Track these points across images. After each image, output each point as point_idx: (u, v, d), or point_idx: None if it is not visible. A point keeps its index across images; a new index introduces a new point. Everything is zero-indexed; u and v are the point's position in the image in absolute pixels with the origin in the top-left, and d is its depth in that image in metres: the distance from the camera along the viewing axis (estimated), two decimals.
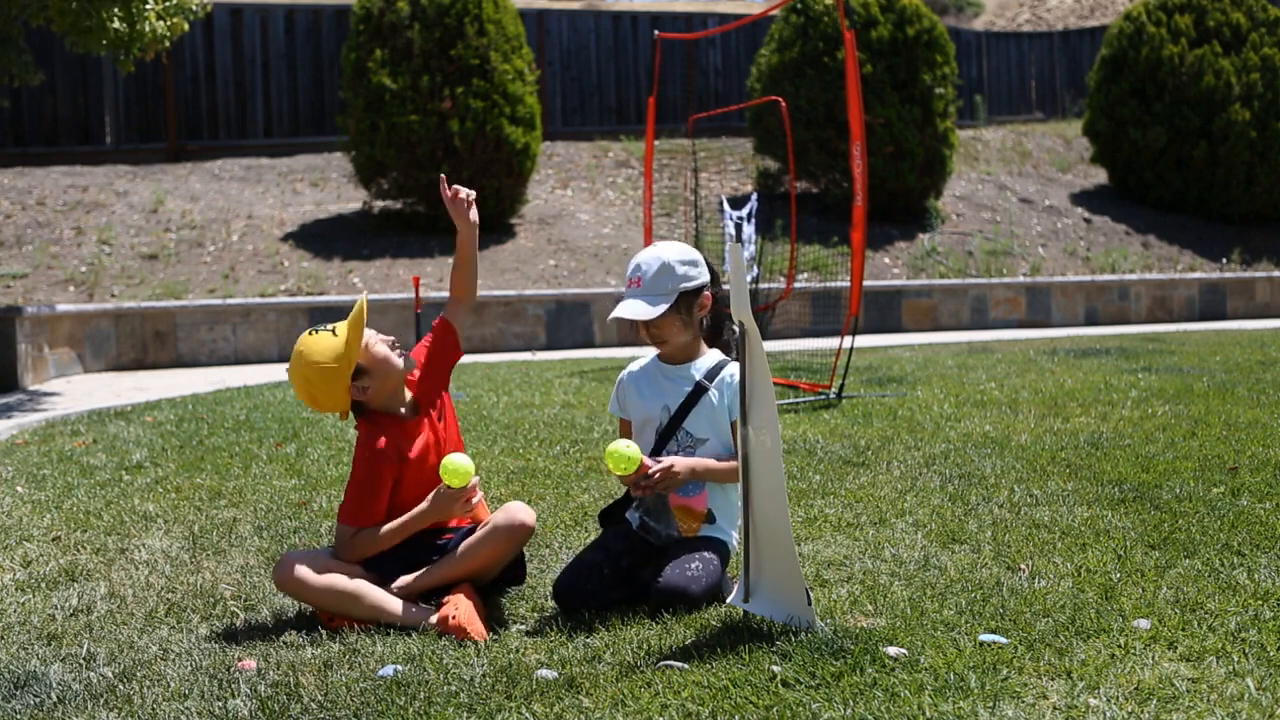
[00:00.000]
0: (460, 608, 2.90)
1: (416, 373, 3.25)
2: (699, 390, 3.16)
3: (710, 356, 3.22)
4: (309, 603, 3.05)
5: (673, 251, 3.15)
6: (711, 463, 3.13)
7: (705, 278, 3.17)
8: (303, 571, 3.01)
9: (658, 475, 3.03)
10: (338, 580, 3.01)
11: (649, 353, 3.31)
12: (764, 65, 14.86)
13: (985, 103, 19.64)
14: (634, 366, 3.32)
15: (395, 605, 3.01)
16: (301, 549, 3.52)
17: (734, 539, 3.18)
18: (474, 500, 3.13)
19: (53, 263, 11.85)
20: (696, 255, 3.19)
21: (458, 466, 3.04)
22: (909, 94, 14.37)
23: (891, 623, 2.81)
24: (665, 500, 3.17)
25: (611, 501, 3.28)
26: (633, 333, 3.22)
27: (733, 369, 3.14)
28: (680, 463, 3.08)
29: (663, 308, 3.09)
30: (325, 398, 3.16)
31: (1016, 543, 3.54)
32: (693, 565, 3.02)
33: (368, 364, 3.17)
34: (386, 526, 3.13)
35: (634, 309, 3.10)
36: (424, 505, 3.11)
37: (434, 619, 2.92)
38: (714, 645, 2.69)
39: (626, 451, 2.98)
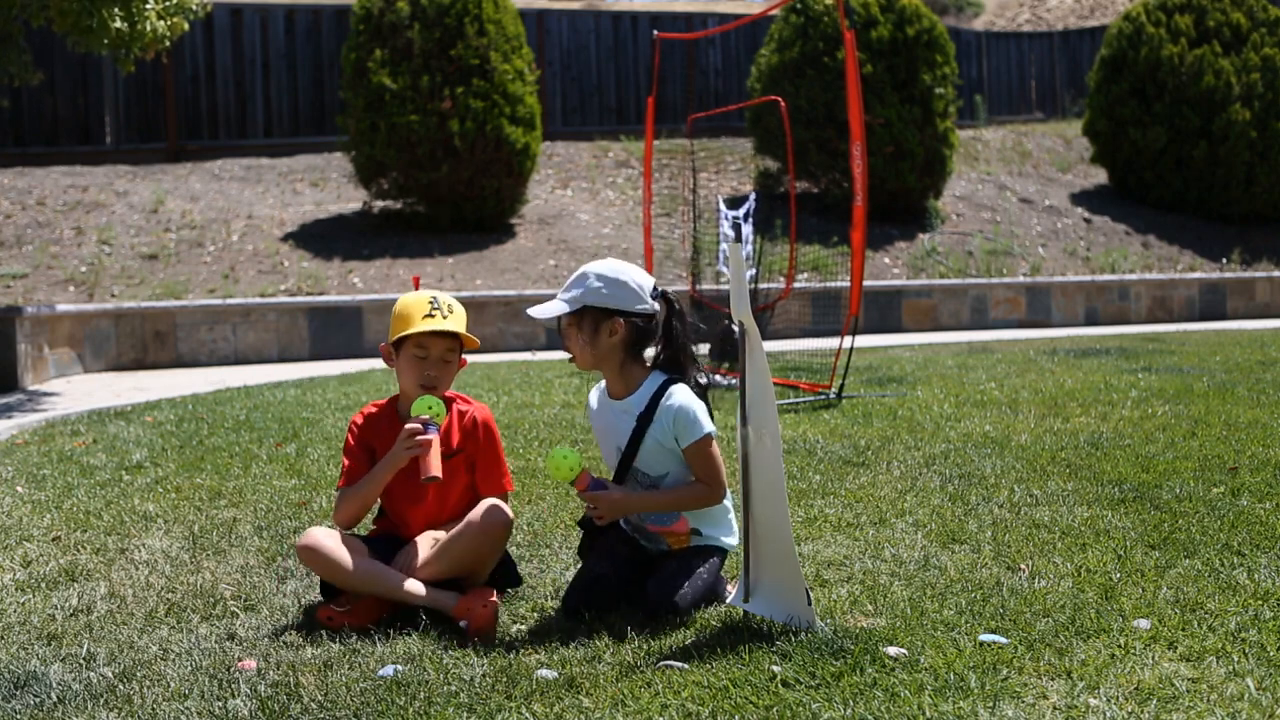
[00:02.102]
0: (487, 607, 2.91)
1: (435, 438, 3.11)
2: (641, 425, 3.03)
3: (650, 384, 3.06)
4: (329, 576, 3.06)
5: (602, 266, 3.04)
6: (654, 497, 3.04)
7: (628, 304, 3.00)
8: (326, 543, 3.04)
9: (589, 505, 3.00)
10: (358, 558, 3.05)
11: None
12: (764, 65, 14.86)
13: (985, 103, 19.65)
14: (590, 399, 3.25)
15: (415, 586, 3.04)
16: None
17: (725, 540, 3.15)
18: (420, 438, 3.04)
19: (53, 263, 11.85)
20: (628, 277, 3.02)
21: (424, 398, 3.09)
22: (909, 94, 14.37)
23: (891, 623, 2.81)
24: (644, 528, 3.14)
25: None
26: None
27: (673, 392, 3.01)
28: (612, 503, 3.00)
29: (559, 310, 3.02)
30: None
31: (1016, 543, 3.54)
32: (682, 580, 2.98)
33: (406, 351, 3.21)
34: (363, 478, 3.19)
35: (538, 307, 3.07)
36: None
37: (456, 604, 2.95)
38: (714, 645, 2.69)
39: (563, 460, 2.93)
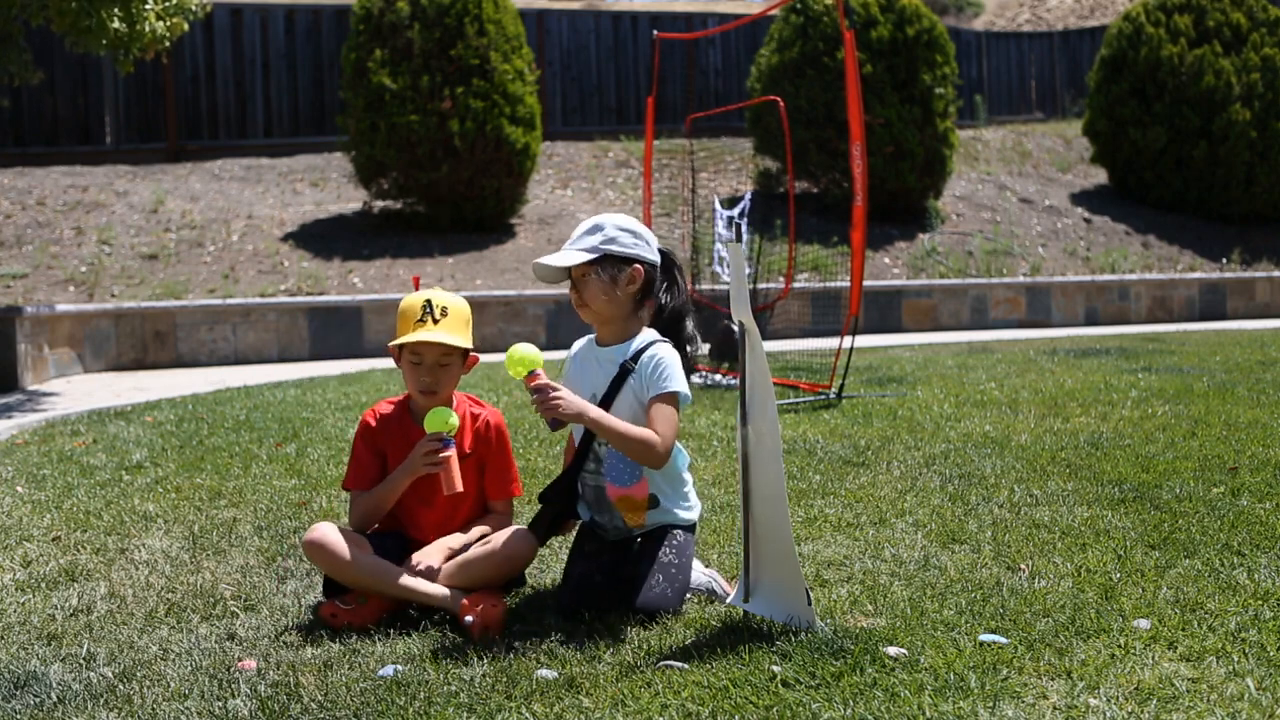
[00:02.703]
0: (497, 607, 2.92)
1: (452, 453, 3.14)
2: (623, 373, 3.05)
3: (642, 338, 3.08)
4: (336, 573, 3.05)
5: (612, 217, 3.10)
6: (609, 419, 2.95)
7: (643, 253, 3.06)
8: (334, 539, 3.04)
9: (535, 390, 2.91)
10: (365, 554, 3.05)
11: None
12: (764, 65, 14.86)
13: (985, 103, 19.64)
14: (576, 345, 3.27)
15: (423, 584, 3.04)
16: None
17: (683, 515, 3.13)
18: (440, 456, 3.08)
19: (53, 263, 11.85)
20: (642, 230, 3.09)
21: (438, 411, 3.10)
22: (909, 94, 14.37)
23: (891, 623, 2.81)
24: (603, 493, 3.12)
25: (551, 481, 3.23)
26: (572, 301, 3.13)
27: (658, 348, 3.04)
28: (570, 400, 2.93)
29: (581, 258, 3.03)
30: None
31: (1016, 543, 3.54)
32: (659, 580, 2.97)
33: (404, 356, 3.23)
34: (379, 485, 3.20)
35: (553, 255, 3.08)
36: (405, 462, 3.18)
37: (464, 600, 2.96)
38: (714, 645, 2.69)
39: (524, 353, 2.94)
